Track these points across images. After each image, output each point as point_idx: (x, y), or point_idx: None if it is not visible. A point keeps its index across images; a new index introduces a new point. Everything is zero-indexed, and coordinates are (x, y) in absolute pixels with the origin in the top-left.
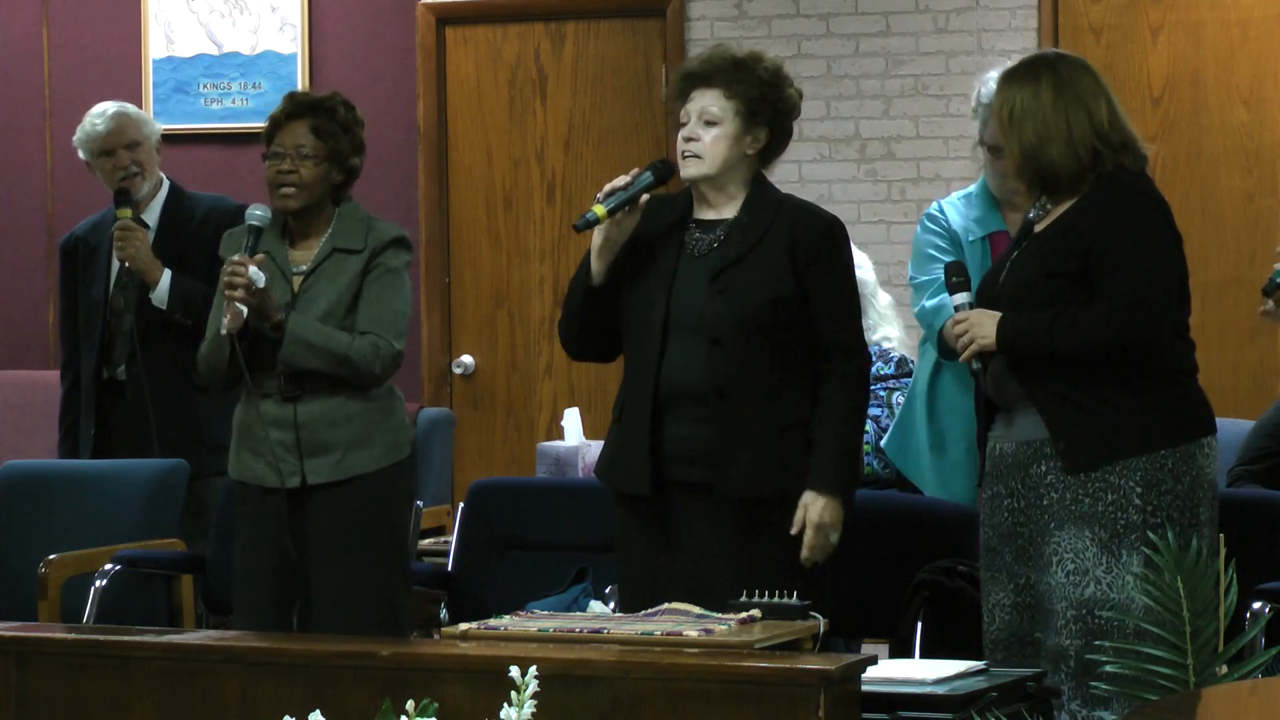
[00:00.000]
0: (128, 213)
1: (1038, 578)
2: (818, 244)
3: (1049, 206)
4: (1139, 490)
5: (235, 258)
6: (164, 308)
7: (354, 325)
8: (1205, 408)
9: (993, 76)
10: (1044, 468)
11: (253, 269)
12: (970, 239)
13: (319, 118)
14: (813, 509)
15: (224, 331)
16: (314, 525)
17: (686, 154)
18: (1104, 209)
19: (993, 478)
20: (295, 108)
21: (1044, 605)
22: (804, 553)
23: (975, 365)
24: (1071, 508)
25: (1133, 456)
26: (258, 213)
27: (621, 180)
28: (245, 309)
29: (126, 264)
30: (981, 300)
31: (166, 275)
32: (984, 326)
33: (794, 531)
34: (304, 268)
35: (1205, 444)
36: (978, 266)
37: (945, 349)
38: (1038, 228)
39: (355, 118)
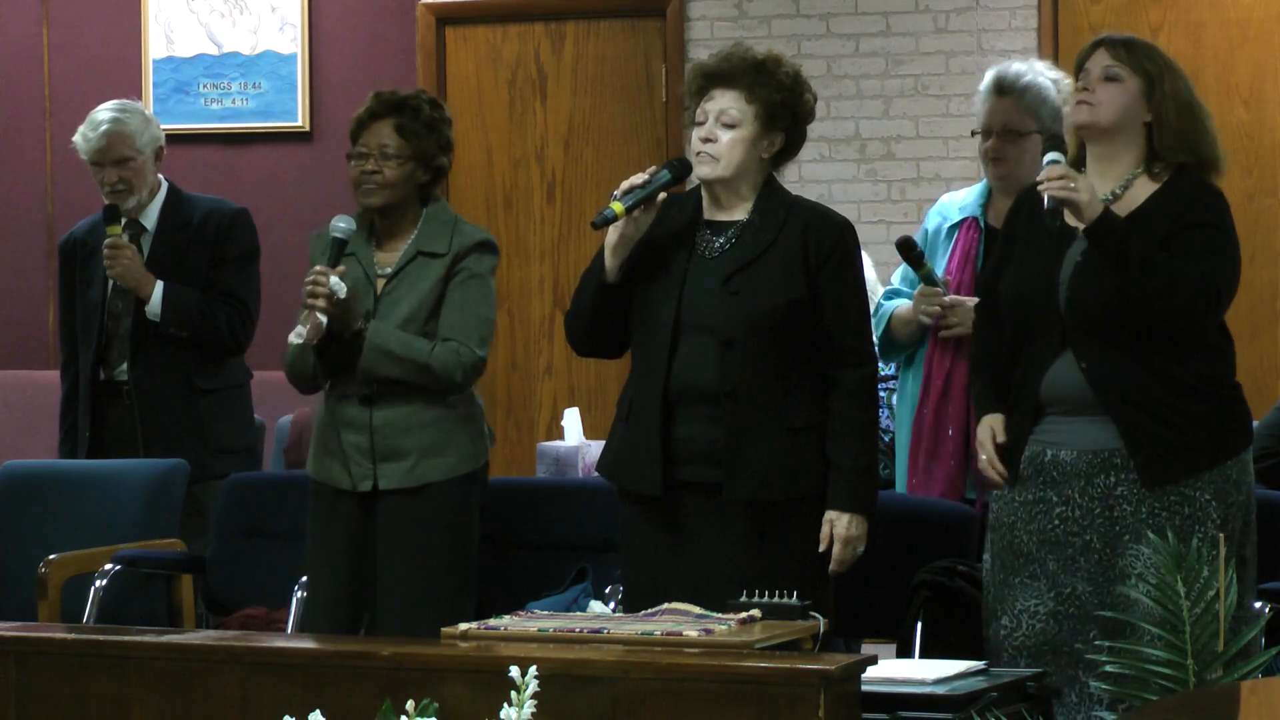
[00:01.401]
0: (118, 229)
1: (1105, 589)
2: (830, 247)
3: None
4: (1215, 503)
5: (317, 268)
6: (158, 322)
7: (436, 330)
8: (1249, 413)
9: (1014, 66)
10: (1113, 479)
11: (334, 280)
12: (949, 224)
13: (403, 116)
14: (839, 525)
15: (303, 342)
16: (383, 530)
17: (702, 154)
18: (1187, 205)
19: (1039, 482)
20: (380, 106)
21: (1116, 618)
22: (833, 566)
23: (1049, 204)
24: (1148, 521)
25: (1205, 470)
26: (341, 225)
27: (639, 178)
28: (325, 319)
29: (117, 282)
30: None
31: (159, 289)
32: (1092, 202)
33: (822, 549)
34: (388, 270)
35: (1250, 450)
36: (943, 251)
37: (886, 344)
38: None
39: (441, 116)
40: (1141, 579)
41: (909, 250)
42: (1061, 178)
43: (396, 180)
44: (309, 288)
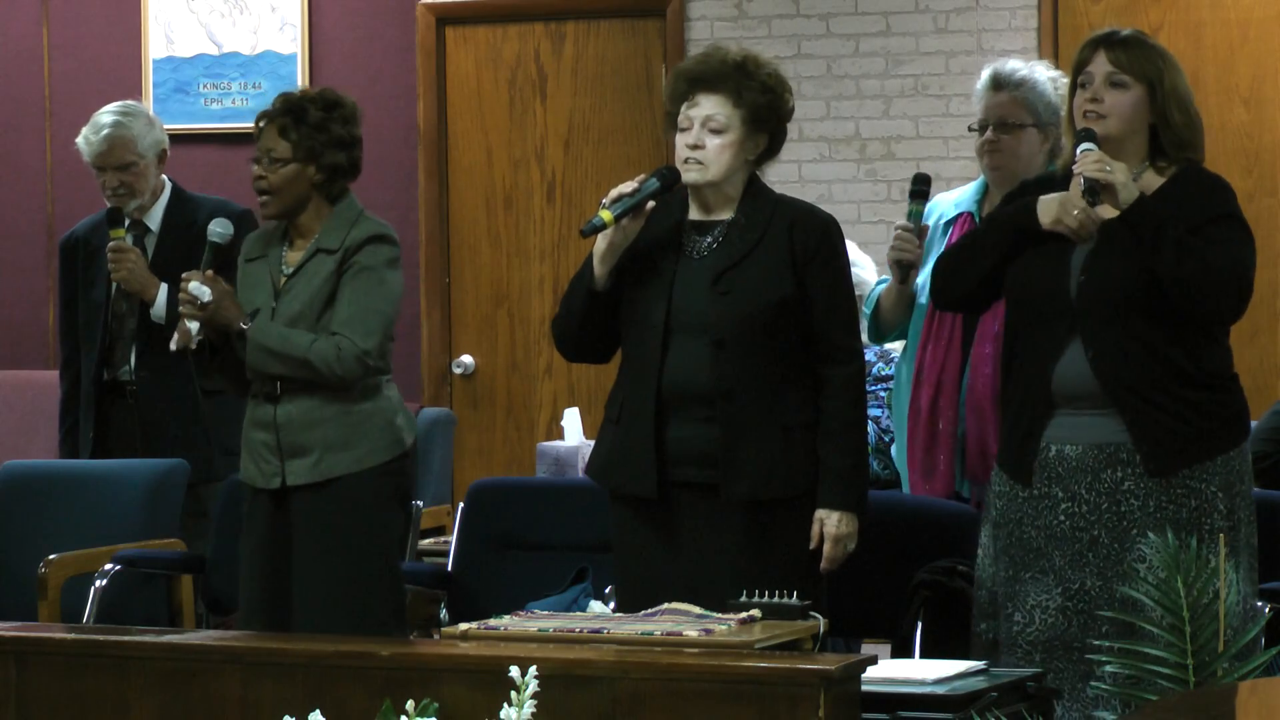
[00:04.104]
0: (121, 233)
1: (1115, 584)
2: (816, 244)
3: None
4: (1221, 495)
5: (184, 275)
6: (162, 324)
7: (328, 325)
8: (1247, 404)
9: (1011, 62)
10: (1120, 474)
11: (194, 285)
12: (945, 219)
13: (286, 119)
14: (829, 523)
15: (173, 348)
16: (296, 526)
17: (690, 161)
18: (1206, 197)
19: (1043, 478)
20: (272, 110)
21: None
22: (824, 564)
23: (1085, 184)
24: (1155, 514)
25: (1209, 459)
26: (218, 229)
27: (628, 186)
28: (194, 325)
29: (122, 285)
30: (1034, 298)
31: (163, 291)
32: (1128, 184)
33: (813, 546)
34: (292, 269)
35: (1249, 440)
36: (939, 246)
37: (874, 325)
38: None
39: (332, 115)
40: (1143, 580)
41: (924, 185)
42: (1098, 161)
43: (282, 183)
44: (180, 294)
